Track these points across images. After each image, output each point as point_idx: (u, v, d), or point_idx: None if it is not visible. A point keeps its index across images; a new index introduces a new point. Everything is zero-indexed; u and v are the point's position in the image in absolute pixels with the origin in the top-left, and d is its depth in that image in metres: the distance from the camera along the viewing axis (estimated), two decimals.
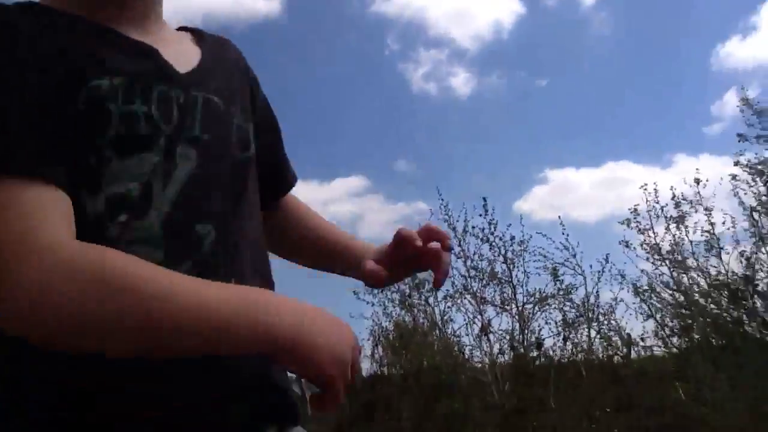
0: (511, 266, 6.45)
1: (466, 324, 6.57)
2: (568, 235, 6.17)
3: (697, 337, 5.51)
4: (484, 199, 6.55)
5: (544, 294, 6.33)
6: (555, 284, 6.27)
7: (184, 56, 0.82)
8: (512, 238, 6.42)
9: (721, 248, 5.51)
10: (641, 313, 5.89)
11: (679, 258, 5.76)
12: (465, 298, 6.59)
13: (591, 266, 6.14)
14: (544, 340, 6.30)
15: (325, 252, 0.99)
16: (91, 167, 0.69)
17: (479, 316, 6.52)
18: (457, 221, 6.61)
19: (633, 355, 5.96)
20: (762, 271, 5.32)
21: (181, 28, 0.92)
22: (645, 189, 6.04)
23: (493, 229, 6.50)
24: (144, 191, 0.70)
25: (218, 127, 0.80)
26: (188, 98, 0.78)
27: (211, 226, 0.74)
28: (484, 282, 6.54)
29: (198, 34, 0.91)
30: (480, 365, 6.48)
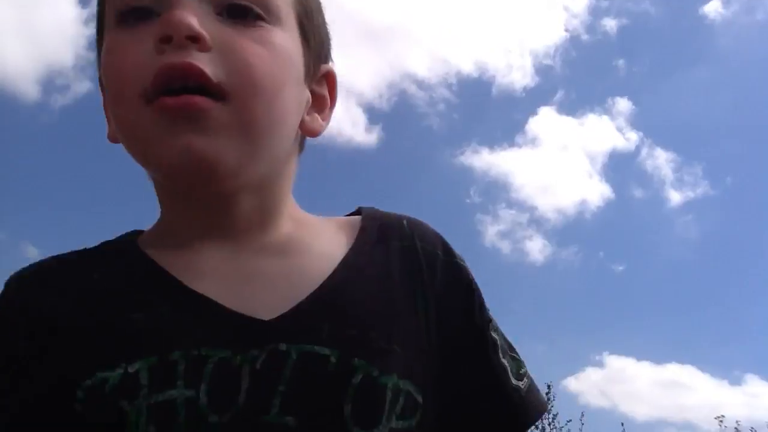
0: None
1: None
2: None
3: None
4: (548, 387, 6.20)
5: None
6: None
7: (289, 284, 0.61)
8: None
9: None
10: None
11: None
12: None
13: None
14: None
15: None
16: None
17: None
18: None
19: None
20: None
21: (356, 213, 0.70)
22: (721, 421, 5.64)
23: (552, 419, 6.07)
24: None
25: (319, 398, 0.56)
26: (271, 359, 0.56)
27: None
28: None
29: (366, 226, 0.67)
30: None
